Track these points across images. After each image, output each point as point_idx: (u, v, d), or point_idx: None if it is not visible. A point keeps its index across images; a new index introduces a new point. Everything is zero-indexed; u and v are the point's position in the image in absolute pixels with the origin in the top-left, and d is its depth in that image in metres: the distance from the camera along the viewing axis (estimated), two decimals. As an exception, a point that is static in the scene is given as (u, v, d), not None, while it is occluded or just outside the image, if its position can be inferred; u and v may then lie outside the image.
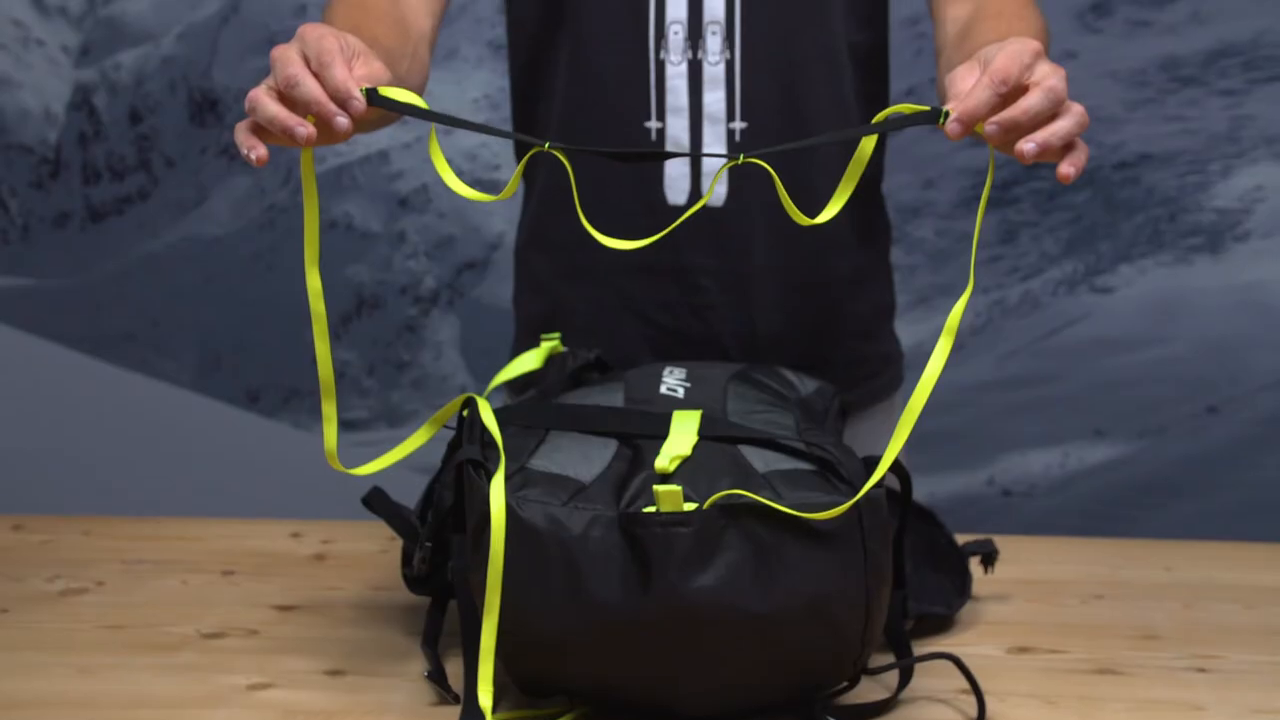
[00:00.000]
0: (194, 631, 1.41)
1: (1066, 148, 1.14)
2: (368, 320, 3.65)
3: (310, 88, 1.15)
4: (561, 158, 1.21)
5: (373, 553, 1.63)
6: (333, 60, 1.16)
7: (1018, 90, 1.14)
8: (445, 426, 1.31)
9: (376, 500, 1.34)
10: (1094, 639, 1.40)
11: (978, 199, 3.50)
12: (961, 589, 1.45)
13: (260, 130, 1.16)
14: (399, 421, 3.60)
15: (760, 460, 1.20)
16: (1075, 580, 1.55)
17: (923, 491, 1.64)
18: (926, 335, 3.21)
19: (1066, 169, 1.13)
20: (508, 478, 1.17)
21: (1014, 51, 1.15)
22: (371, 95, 1.17)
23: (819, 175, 1.56)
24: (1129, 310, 3.39)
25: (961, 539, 1.50)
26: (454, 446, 1.30)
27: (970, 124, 1.13)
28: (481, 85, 3.63)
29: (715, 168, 1.55)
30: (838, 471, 1.19)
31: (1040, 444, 3.42)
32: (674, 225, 1.30)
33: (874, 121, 1.18)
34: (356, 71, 1.19)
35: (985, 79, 1.14)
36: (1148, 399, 3.36)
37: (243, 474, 3.58)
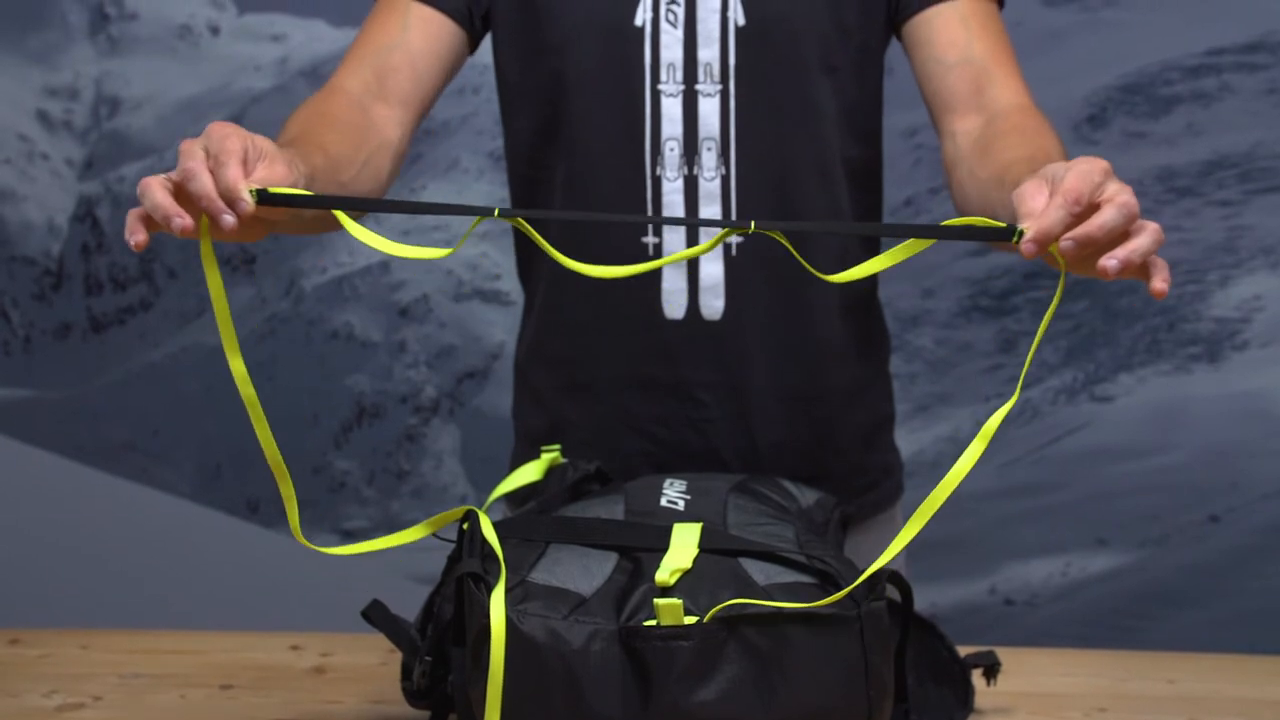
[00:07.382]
0: (191, 747, 1.40)
1: (1143, 264, 1.14)
2: (368, 430, 3.66)
3: (203, 184, 1.15)
4: (525, 225, 1.21)
5: (372, 665, 1.62)
6: (229, 160, 1.16)
7: (1089, 208, 1.13)
8: (440, 537, 1.31)
9: (376, 613, 1.33)
10: (1098, 753, 1.39)
11: (976, 308, 3.52)
12: (964, 701, 1.44)
13: (149, 218, 1.16)
14: (399, 530, 3.60)
15: (761, 573, 1.20)
16: (1078, 693, 1.54)
17: (924, 601, 1.63)
18: (927, 444, 3.21)
19: (1161, 285, 1.12)
20: (508, 591, 1.16)
21: (1084, 171, 1.14)
22: (263, 196, 1.17)
23: (811, 288, 1.57)
24: (1129, 419, 3.40)
25: (963, 650, 1.49)
26: (454, 559, 1.29)
27: (1046, 243, 1.12)
28: (482, 196, 3.66)
29: (714, 284, 1.56)
30: (838, 584, 1.19)
31: (1042, 553, 3.41)
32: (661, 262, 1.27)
33: (945, 224, 1.17)
34: (257, 173, 1.19)
35: (1059, 198, 1.13)
36: (1149, 508, 3.36)
37: (242, 585, 3.57)
